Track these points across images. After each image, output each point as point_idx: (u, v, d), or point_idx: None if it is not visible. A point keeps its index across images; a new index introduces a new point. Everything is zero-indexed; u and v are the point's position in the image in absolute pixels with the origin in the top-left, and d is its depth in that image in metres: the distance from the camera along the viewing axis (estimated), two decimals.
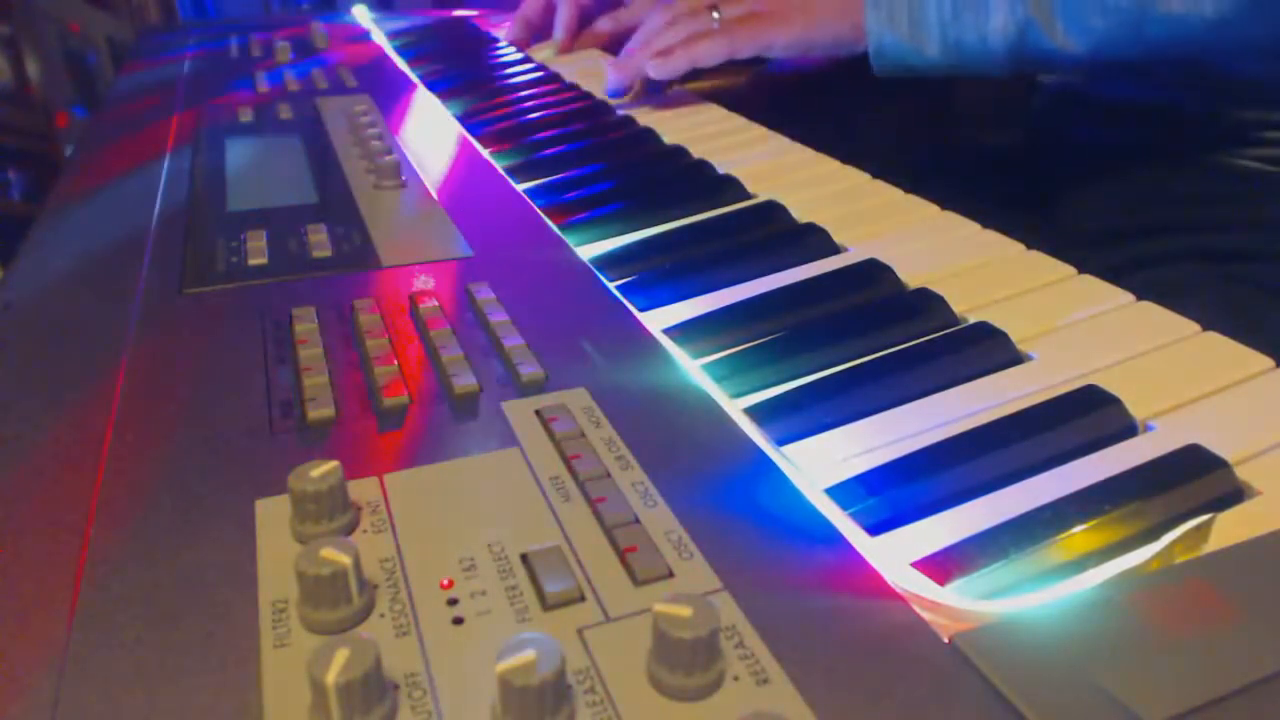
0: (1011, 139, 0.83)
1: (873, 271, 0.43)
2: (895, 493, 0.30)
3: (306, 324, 0.36)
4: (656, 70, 0.69)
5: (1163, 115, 0.69)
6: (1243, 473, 0.29)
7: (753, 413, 0.33)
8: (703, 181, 0.56)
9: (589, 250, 0.47)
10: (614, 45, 0.89)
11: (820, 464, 0.31)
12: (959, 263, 0.44)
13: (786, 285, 0.43)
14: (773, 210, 0.51)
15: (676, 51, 0.68)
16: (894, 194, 0.52)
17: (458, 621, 0.23)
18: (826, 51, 0.68)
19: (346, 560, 0.22)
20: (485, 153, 0.60)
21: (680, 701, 0.21)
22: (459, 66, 0.90)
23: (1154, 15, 0.56)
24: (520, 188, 0.54)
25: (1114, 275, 0.41)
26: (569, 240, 0.46)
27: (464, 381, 0.33)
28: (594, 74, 0.80)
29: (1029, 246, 0.45)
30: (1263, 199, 0.63)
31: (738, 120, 0.68)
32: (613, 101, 0.74)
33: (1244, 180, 0.65)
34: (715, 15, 0.69)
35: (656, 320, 0.40)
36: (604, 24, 0.92)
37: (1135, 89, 0.70)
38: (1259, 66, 0.62)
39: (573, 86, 0.80)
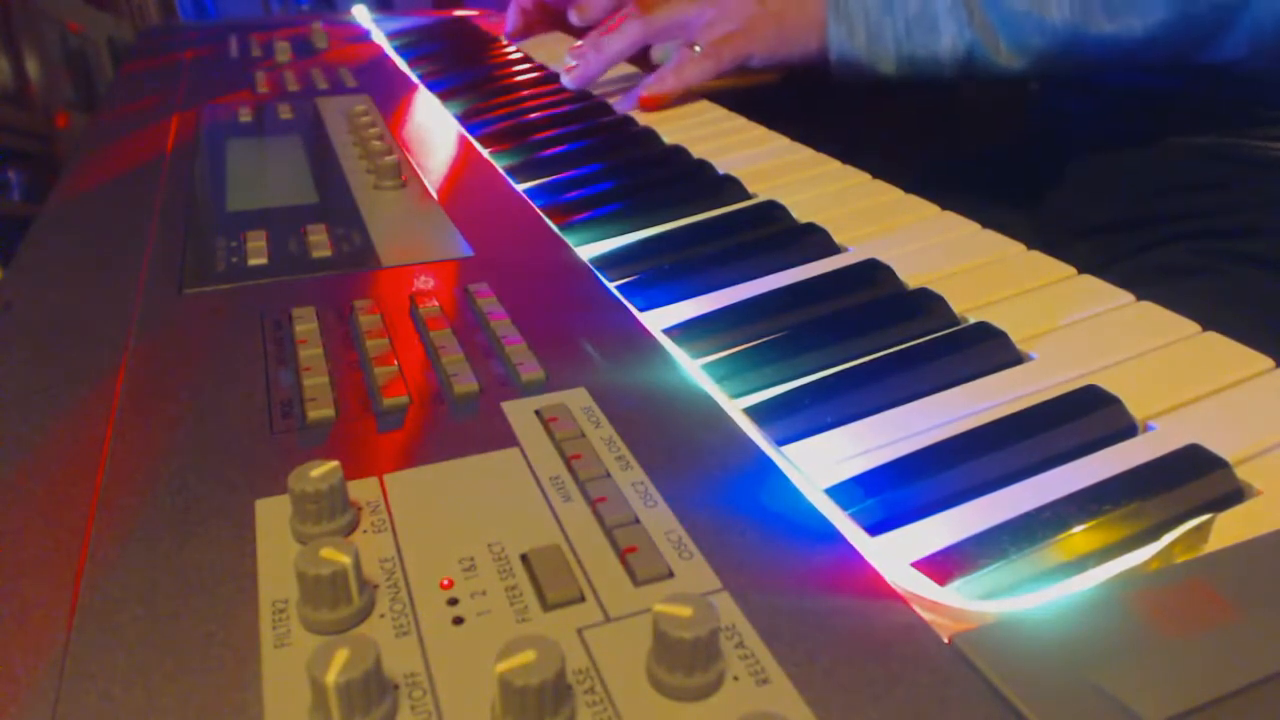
0: (1011, 133, 0.83)
1: (873, 271, 0.43)
2: (895, 493, 0.29)
3: (306, 324, 0.36)
4: (648, 92, 0.72)
5: (1159, 101, 0.69)
6: (1243, 473, 0.29)
7: (753, 413, 0.33)
8: (703, 181, 0.56)
9: (589, 250, 0.47)
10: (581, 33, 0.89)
11: (820, 464, 0.31)
12: (959, 263, 0.44)
13: (786, 285, 0.43)
14: (773, 210, 0.51)
15: (669, 79, 0.72)
16: (894, 194, 0.52)
17: (458, 621, 0.23)
18: (797, 62, 0.72)
19: (346, 560, 0.22)
20: (485, 153, 0.60)
21: (680, 701, 0.21)
22: (459, 66, 0.90)
23: (1088, 35, 0.60)
24: (520, 188, 0.54)
25: (1114, 260, 0.41)
26: (569, 240, 0.46)
27: (464, 381, 0.33)
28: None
29: (1028, 235, 0.45)
30: (1260, 177, 0.63)
31: (738, 120, 0.68)
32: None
33: (1241, 160, 0.65)
34: (696, 48, 0.72)
35: (656, 320, 0.40)
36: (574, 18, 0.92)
37: (1131, 76, 0.70)
38: (1184, 80, 0.65)
39: None
